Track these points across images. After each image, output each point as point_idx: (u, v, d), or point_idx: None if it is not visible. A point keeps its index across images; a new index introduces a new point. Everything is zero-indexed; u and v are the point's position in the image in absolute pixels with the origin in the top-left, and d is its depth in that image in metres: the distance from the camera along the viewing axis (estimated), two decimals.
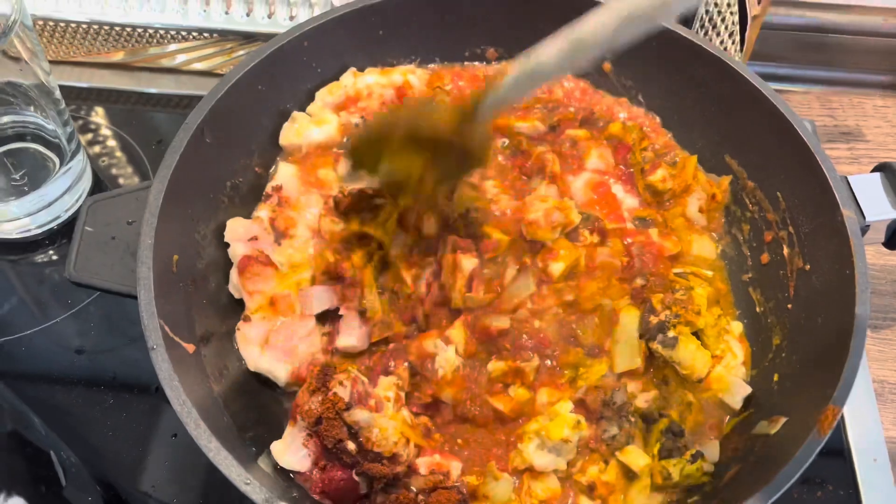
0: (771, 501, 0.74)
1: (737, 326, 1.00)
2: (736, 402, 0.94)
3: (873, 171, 1.02)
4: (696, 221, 1.09)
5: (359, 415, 0.77)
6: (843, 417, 1.02)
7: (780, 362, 0.96)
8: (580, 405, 0.92)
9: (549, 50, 0.75)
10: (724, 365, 0.96)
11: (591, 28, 0.72)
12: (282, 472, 0.83)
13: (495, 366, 0.91)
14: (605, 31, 0.71)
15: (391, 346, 0.92)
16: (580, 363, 0.94)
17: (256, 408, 0.95)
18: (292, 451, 0.81)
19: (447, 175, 0.91)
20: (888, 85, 1.38)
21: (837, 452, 1.00)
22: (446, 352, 0.89)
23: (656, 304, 0.97)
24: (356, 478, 0.80)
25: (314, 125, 1.12)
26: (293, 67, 1.11)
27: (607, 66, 1.19)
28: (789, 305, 0.99)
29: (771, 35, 1.31)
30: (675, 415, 0.92)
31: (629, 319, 0.96)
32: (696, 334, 0.96)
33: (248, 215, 1.06)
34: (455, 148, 0.85)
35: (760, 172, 1.07)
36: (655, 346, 0.93)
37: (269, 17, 1.34)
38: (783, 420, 0.87)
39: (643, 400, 0.92)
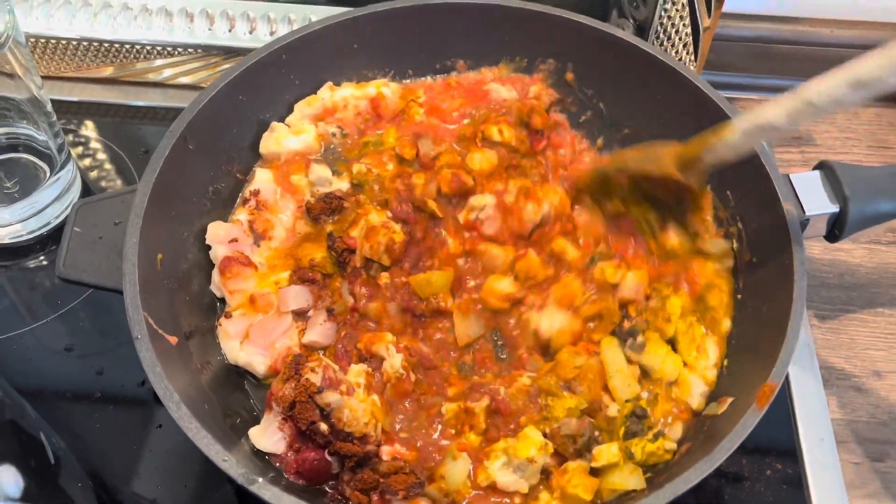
0: (711, 471, 0.80)
1: (726, 324, 1.03)
2: (696, 402, 0.97)
3: (814, 169, 1.09)
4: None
5: (330, 397, 0.83)
6: (791, 401, 1.08)
7: (729, 349, 1.02)
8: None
9: (779, 109, 0.82)
10: (693, 368, 1.00)
11: (820, 90, 0.77)
12: (259, 456, 0.88)
13: (447, 408, 0.93)
14: (834, 94, 0.76)
15: (343, 333, 0.98)
16: (552, 391, 0.95)
17: (237, 399, 1.00)
18: (268, 434, 0.86)
19: (664, 212, 1.03)
20: None
21: (786, 433, 1.06)
22: (393, 358, 0.94)
23: (631, 311, 1.03)
24: (328, 458, 0.85)
25: (293, 135, 1.18)
26: (272, 79, 1.18)
27: (570, 76, 1.27)
28: (739, 296, 1.05)
29: (725, 46, 1.38)
30: (643, 404, 0.96)
31: (612, 351, 0.99)
32: (671, 341, 1.01)
33: (228, 218, 1.12)
34: (675, 188, 0.97)
35: (712, 174, 1.14)
36: (626, 350, 0.99)
37: (251, 32, 1.41)
38: (729, 400, 0.93)
39: (614, 410, 0.96)
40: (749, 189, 1.06)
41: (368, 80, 1.26)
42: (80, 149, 1.39)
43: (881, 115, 1.44)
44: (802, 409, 1.08)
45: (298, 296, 1.04)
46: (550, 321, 1.00)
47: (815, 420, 1.07)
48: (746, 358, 0.98)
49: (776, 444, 1.05)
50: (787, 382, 1.09)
